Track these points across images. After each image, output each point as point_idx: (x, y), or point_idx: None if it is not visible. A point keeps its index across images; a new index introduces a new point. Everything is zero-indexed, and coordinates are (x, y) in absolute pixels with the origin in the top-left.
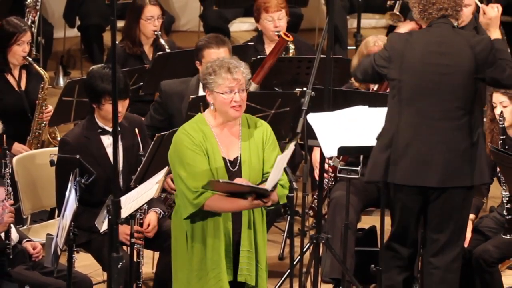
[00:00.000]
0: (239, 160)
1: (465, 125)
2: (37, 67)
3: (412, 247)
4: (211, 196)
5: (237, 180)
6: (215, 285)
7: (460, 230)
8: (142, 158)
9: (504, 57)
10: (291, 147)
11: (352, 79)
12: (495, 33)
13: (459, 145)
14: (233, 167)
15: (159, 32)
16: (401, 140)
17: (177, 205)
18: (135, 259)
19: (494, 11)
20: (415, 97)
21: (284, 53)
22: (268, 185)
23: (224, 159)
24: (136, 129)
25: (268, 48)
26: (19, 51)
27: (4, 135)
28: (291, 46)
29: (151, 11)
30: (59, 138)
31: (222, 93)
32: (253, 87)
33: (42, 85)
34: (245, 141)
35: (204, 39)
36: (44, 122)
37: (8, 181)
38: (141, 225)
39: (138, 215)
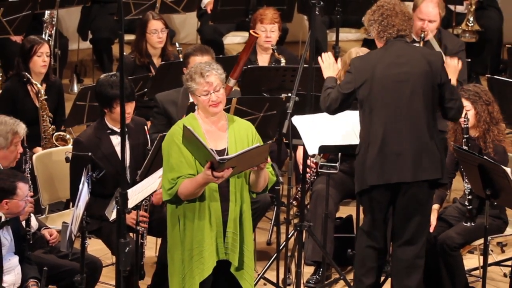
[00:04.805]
0: (226, 151)
1: (428, 124)
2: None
3: (382, 237)
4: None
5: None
6: (197, 261)
7: (426, 222)
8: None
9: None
10: (255, 145)
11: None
12: (452, 80)
13: (425, 143)
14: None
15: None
16: (375, 145)
17: None
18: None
19: (454, 63)
20: (383, 105)
21: (273, 63)
22: (220, 158)
23: (211, 150)
24: (146, 127)
25: (260, 57)
26: (39, 61)
27: (25, 136)
28: (282, 60)
29: (155, 25)
30: (68, 137)
31: (200, 96)
32: (232, 82)
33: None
34: (231, 134)
35: (191, 48)
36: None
37: (28, 175)
38: (145, 210)
39: (143, 202)
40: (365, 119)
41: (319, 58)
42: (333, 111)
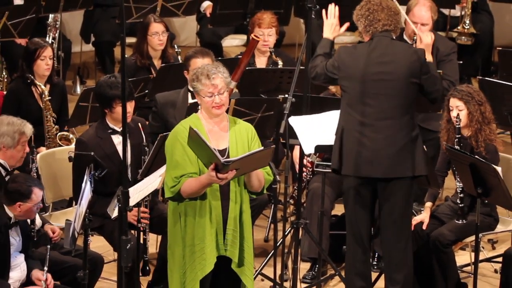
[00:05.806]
0: (227, 150)
1: (404, 123)
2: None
3: (367, 234)
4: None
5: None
6: (199, 257)
7: (407, 217)
8: (146, 148)
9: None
10: (259, 149)
11: (330, 86)
12: (428, 57)
13: (399, 141)
14: (222, 156)
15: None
16: (351, 137)
17: None
18: (142, 237)
19: (428, 38)
20: (361, 100)
21: (271, 65)
22: (225, 160)
23: (216, 151)
24: (139, 124)
25: (258, 60)
26: (43, 64)
27: (32, 136)
28: (280, 63)
29: (156, 27)
30: (71, 137)
31: (204, 97)
32: (232, 84)
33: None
34: (232, 135)
35: (191, 51)
36: (55, 127)
37: (34, 174)
38: (146, 206)
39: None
40: (344, 108)
41: (323, 11)
42: (316, 82)
